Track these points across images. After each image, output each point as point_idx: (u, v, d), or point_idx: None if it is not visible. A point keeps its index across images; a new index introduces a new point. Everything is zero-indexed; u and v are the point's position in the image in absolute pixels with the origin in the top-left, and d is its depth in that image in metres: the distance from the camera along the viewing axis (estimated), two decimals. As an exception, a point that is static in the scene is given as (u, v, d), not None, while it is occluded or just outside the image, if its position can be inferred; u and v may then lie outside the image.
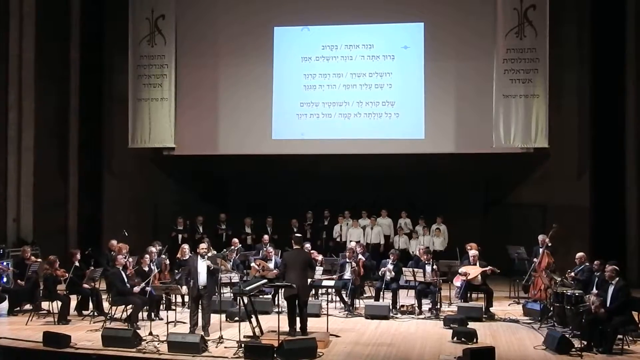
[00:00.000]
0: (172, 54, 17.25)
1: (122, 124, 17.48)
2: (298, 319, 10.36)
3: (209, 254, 11.28)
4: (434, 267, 12.68)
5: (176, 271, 12.85)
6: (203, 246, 11.00)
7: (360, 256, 13.42)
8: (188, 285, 10.94)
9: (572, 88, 16.48)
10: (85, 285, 12.01)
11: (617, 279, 9.91)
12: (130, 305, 11.24)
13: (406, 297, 13.19)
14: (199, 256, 10.71)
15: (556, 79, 16.11)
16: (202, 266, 10.59)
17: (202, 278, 10.56)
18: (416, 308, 12.38)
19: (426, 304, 12.43)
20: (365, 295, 13.68)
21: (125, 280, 11.38)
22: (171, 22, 17.25)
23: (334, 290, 12.61)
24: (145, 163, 18.01)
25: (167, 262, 12.74)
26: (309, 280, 11.15)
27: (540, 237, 13.13)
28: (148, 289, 11.29)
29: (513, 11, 16.01)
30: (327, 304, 11.63)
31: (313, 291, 12.87)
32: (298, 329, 10.29)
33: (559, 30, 16.18)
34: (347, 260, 13.06)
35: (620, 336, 9.68)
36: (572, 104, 16.48)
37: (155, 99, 17.23)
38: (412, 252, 15.62)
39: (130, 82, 17.33)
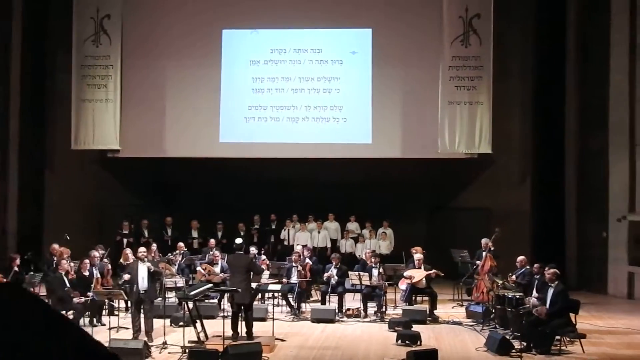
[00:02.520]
0: (117, 54, 16.98)
1: (65, 125, 17.12)
2: (243, 324, 10.32)
3: (150, 258, 11.13)
4: (380, 270, 12.81)
5: (125, 275, 12.64)
6: (142, 250, 10.85)
7: (307, 260, 13.46)
8: (129, 290, 10.79)
9: (515, 95, 16.86)
10: (25, 290, 11.70)
11: (557, 282, 10.17)
12: (71, 311, 11.01)
13: (352, 301, 13.27)
14: (139, 260, 10.58)
15: (500, 87, 16.44)
16: (143, 270, 10.46)
17: (143, 282, 10.44)
18: (362, 311, 12.47)
19: (372, 307, 12.54)
20: (311, 299, 13.72)
21: (67, 285, 11.16)
22: (117, 22, 16.98)
23: (280, 294, 12.61)
24: (89, 165, 17.70)
25: (109, 266, 12.53)
26: (255, 284, 11.15)
27: (483, 241, 13.37)
28: (90, 294, 11.08)
29: (458, 19, 16.30)
30: (273, 308, 11.62)
31: (259, 295, 12.85)
32: (243, 334, 10.26)
33: (503, 39, 16.52)
34: (294, 264, 13.08)
35: (558, 337, 9.93)
36: (515, 111, 16.86)
37: (100, 100, 16.94)
38: (359, 255, 15.72)
39: (73, 82, 16.96)
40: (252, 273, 10.72)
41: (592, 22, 16.03)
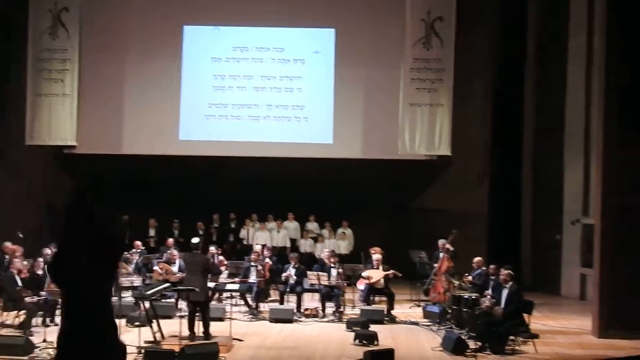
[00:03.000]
0: (75, 48, 16.67)
1: (20, 119, 16.75)
2: (200, 324, 10.26)
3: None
4: (339, 270, 12.84)
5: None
6: None
7: (267, 259, 13.44)
8: None
9: (474, 98, 17.06)
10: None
11: (511, 283, 10.32)
12: (23, 311, 10.79)
13: (310, 301, 13.28)
14: None
15: (460, 89, 16.63)
16: None
17: None
18: (320, 311, 12.49)
19: (330, 307, 12.57)
20: (270, 298, 13.69)
21: (19, 284, 10.93)
22: (75, 15, 16.64)
23: (238, 293, 12.56)
24: (44, 161, 17.35)
25: None
26: (213, 284, 11.10)
27: (441, 242, 13.50)
28: (43, 293, 10.88)
29: (421, 22, 16.44)
30: (232, 308, 11.57)
31: (217, 295, 12.79)
32: (200, 333, 10.20)
33: (464, 42, 16.70)
34: (253, 263, 13.04)
35: (512, 337, 10.09)
36: (474, 114, 17.05)
37: (57, 94, 16.62)
38: (318, 255, 15.73)
39: (29, 76, 16.60)
40: (210, 272, 10.68)
41: (551, 28, 16.34)
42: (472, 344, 9.99)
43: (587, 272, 14.24)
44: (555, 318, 12.80)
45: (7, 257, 12.17)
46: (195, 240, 10.94)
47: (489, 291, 10.94)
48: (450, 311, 11.72)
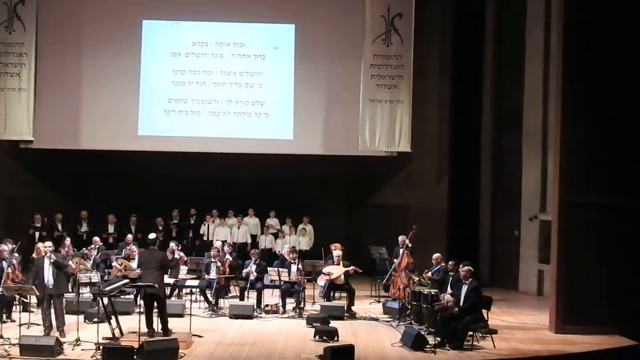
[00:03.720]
0: (32, 42, 16.35)
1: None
2: (158, 320, 10.17)
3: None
4: (299, 266, 12.85)
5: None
6: (48, 244, 10.54)
7: (227, 255, 13.37)
8: (36, 286, 10.46)
9: (433, 95, 17.18)
10: None
11: (471, 279, 10.45)
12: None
13: (271, 297, 13.27)
14: (45, 255, 10.27)
15: (419, 86, 16.78)
16: (47, 264, 10.18)
17: (48, 277, 10.14)
18: (280, 307, 12.48)
19: (290, 304, 12.57)
20: (230, 294, 13.64)
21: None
22: (32, 8, 16.32)
23: (198, 290, 12.48)
24: (0, 156, 17.00)
25: (15, 261, 11.99)
26: (172, 279, 11.01)
27: (400, 238, 13.60)
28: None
29: (380, 18, 16.53)
30: (191, 304, 11.49)
31: (177, 291, 12.69)
32: (159, 330, 10.10)
33: (423, 40, 16.84)
34: (213, 259, 12.97)
35: (471, 333, 10.21)
36: (433, 111, 17.17)
37: (12, 88, 16.26)
38: (278, 251, 15.72)
39: (-16, 70, 16.32)
40: (167, 268, 10.60)
41: (509, 25, 16.53)
42: (431, 340, 10.12)
43: (545, 268, 14.48)
44: (513, 314, 12.98)
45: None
46: (152, 235, 10.83)
47: (449, 289, 11.04)
48: (409, 307, 11.81)
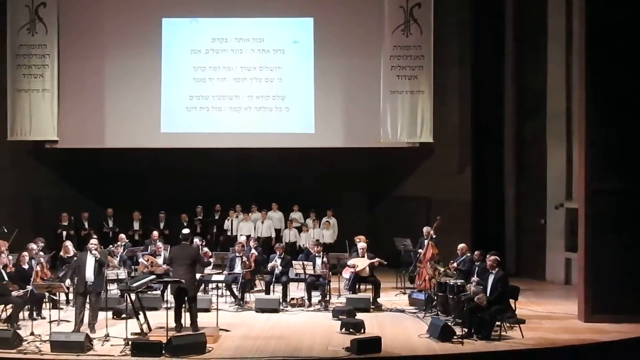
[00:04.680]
0: (54, 43, 16.51)
1: (1, 115, 16.62)
2: (187, 315, 10.23)
3: (97, 250, 10.93)
4: (324, 259, 12.86)
5: (63, 268, 12.38)
6: (93, 242, 10.67)
7: (252, 250, 13.42)
8: (73, 282, 10.58)
9: (454, 85, 17.05)
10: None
11: (497, 269, 10.39)
12: (10, 305, 10.74)
13: (296, 290, 13.30)
14: (88, 251, 10.39)
15: (440, 76, 16.65)
16: (91, 261, 10.29)
17: (89, 273, 10.26)
18: (306, 300, 12.50)
19: (316, 297, 12.59)
20: (256, 289, 13.69)
21: (5, 279, 10.87)
22: (53, 10, 16.49)
23: (224, 284, 12.56)
24: (25, 156, 17.20)
25: (42, 259, 12.14)
26: (199, 275, 11.06)
27: (425, 229, 13.55)
28: (29, 287, 10.82)
29: (399, 9, 16.43)
30: (217, 299, 11.57)
31: (203, 286, 12.76)
32: (188, 325, 10.17)
33: (442, 29, 16.69)
34: (237, 254, 13.02)
35: (498, 323, 10.16)
36: (454, 100, 17.05)
37: (36, 90, 16.45)
38: (302, 245, 15.77)
39: (8, 72, 16.44)
40: (201, 265, 10.66)
41: (530, 12, 16.35)
42: (458, 330, 10.06)
43: (572, 257, 14.34)
44: (541, 303, 12.88)
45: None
46: (185, 231, 10.92)
47: (475, 277, 11.00)
48: (436, 298, 11.78)
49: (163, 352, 9.05)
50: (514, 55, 16.72)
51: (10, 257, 11.70)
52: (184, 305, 10.23)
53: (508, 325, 10.39)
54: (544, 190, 15.67)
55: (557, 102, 15.28)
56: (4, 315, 10.91)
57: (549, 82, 15.54)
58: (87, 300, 10.37)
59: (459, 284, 11.15)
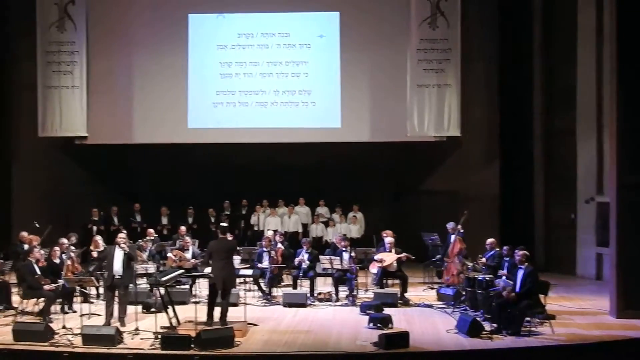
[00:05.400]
0: (83, 40, 16.73)
1: (31, 112, 16.86)
2: (217, 309, 10.28)
3: (126, 244, 11.04)
4: (351, 254, 12.84)
5: (94, 262, 12.54)
6: (122, 236, 10.78)
7: (279, 245, 13.45)
8: (105, 275, 10.70)
9: (482, 78, 16.94)
10: (-4, 279, 11.56)
11: (527, 263, 10.28)
12: (43, 299, 10.89)
13: (323, 285, 13.32)
14: (116, 246, 10.49)
15: (467, 69, 16.55)
16: (119, 255, 10.40)
17: (117, 267, 10.36)
18: (333, 295, 12.51)
19: (343, 291, 12.58)
20: (283, 283, 13.72)
21: (38, 273, 11.03)
22: (82, 7, 16.72)
23: (252, 279, 12.59)
24: (56, 152, 17.44)
25: (72, 254, 12.29)
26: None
27: (452, 224, 13.45)
28: (60, 281, 10.96)
29: (426, 2, 16.38)
30: (245, 293, 11.60)
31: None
32: (216, 319, 10.22)
33: (470, 21, 16.60)
34: (265, 249, 13.06)
35: (528, 319, 10.05)
36: (482, 94, 16.94)
37: (66, 86, 16.71)
38: (329, 239, 15.77)
39: (39, 69, 16.74)
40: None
41: (559, 4, 16.16)
42: (487, 326, 9.99)
43: (603, 252, 14.17)
44: (572, 299, 12.74)
45: (24, 246, 12.24)
46: (224, 224, 10.98)
47: (504, 271, 10.91)
48: (464, 293, 11.70)
49: (192, 345, 9.11)
50: (543, 48, 16.54)
51: (43, 252, 11.87)
52: (216, 300, 10.28)
53: (538, 320, 10.28)
54: (574, 184, 15.50)
55: (588, 96, 15.09)
56: (36, 309, 11.10)
57: (579, 76, 15.36)
58: (116, 294, 10.48)
59: (487, 279, 11.07)
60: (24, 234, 13.04)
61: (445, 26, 16.36)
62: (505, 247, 11.69)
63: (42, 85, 16.74)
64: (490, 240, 12.47)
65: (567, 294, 13.14)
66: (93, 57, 16.80)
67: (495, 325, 10.00)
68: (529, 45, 16.77)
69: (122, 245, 10.49)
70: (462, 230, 13.26)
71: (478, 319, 10.25)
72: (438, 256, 13.68)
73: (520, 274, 10.21)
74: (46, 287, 10.89)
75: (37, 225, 13.46)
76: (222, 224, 11.01)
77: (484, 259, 12.11)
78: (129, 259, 10.47)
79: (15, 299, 11.57)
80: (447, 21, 16.36)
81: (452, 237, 13.23)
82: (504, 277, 10.73)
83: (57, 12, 16.69)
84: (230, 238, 10.97)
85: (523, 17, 16.79)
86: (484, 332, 9.81)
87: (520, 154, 16.86)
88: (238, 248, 13.28)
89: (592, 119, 14.98)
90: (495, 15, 16.86)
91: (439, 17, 16.38)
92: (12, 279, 12.21)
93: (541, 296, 10.36)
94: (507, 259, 11.34)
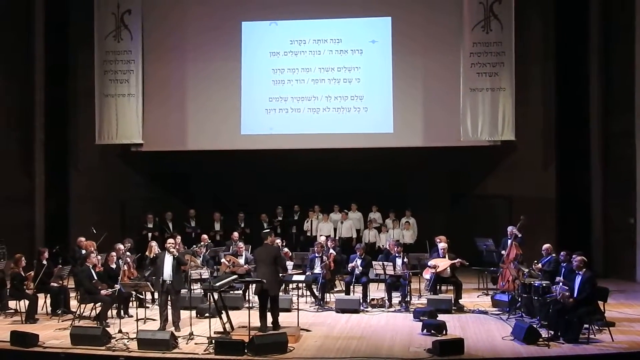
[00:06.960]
0: (138, 49, 17.08)
1: (89, 120, 17.31)
2: (269, 314, 10.34)
3: (179, 251, 11.20)
4: (404, 260, 12.76)
5: (149, 268, 12.76)
6: (171, 241, 10.93)
7: (331, 250, 13.45)
8: (154, 281, 10.86)
9: (537, 81, 16.68)
10: (54, 284, 11.85)
11: (584, 269, 10.05)
12: (99, 303, 11.14)
13: (376, 291, 13.26)
14: (166, 251, 10.65)
15: (522, 72, 16.28)
16: (169, 261, 10.54)
17: (167, 272, 10.51)
18: (386, 301, 12.44)
19: (396, 297, 12.51)
20: (336, 289, 13.71)
21: (95, 278, 11.29)
22: (137, 17, 17.07)
23: (304, 284, 12.63)
24: (112, 159, 17.85)
25: (128, 259, 12.51)
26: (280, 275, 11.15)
27: (509, 229, 13.26)
28: (117, 286, 11.18)
29: (479, 5, 16.16)
30: (298, 299, 11.64)
31: (283, 286, 12.86)
32: (269, 324, 10.28)
33: (524, 24, 16.36)
34: (317, 254, 13.07)
35: (586, 326, 9.82)
36: (537, 97, 16.67)
37: (122, 94, 17.09)
38: (382, 245, 15.70)
39: (96, 77, 17.16)
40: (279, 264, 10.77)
41: (616, 4, 15.79)
42: (544, 333, 9.78)
43: (665, 257, 13.76)
44: (632, 305, 12.41)
45: (82, 251, 12.52)
46: (266, 230, 11.06)
47: (560, 277, 10.68)
48: (520, 299, 11.50)
49: (245, 350, 9.17)
50: (600, 49, 16.16)
51: (99, 257, 12.14)
52: (267, 305, 10.34)
53: (597, 328, 10.05)
54: (633, 187, 15.09)
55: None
56: (93, 314, 11.34)
57: (638, 75, 14.95)
58: (170, 299, 10.63)
59: (544, 285, 10.85)
60: (82, 239, 13.37)
61: (499, 29, 16.14)
62: (562, 253, 11.45)
63: (100, 93, 17.15)
64: (546, 245, 12.26)
65: (626, 301, 12.80)
66: (148, 65, 17.14)
67: (552, 332, 9.79)
68: (585, 46, 16.41)
69: (172, 250, 10.64)
70: (519, 235, 13.06)
71: (534, 325, 10.06)
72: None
73: (578, 280, 9.99)
74: (103, 292, 11.14)
75: (94, 230, 13.80)
76: (264, 231, 11.03)
77: (539, 265, 11.89)
78: (178, 264, 10.60)
79: (73, 303, 11.84)
80: (500, 24, 16.13)
81: (509, 242, 13.03)
82: (561, 284, 10.50)
83: (114, 22, 17.08)
84: (277, 243, 11.01)
85: (580, 17, 16.42)
86: (540, 340, 9.61)
87: (577, 156, 16.48)
88: (290, 253, 13.39)
89: (652, 120, 14.57)
90: (550, 16, 16.56)
91: (493, 20, 16.16)
92: (70, 283, 12.54)
93: (600, 303, 10.11)
94: (564, 264, 11.10)
